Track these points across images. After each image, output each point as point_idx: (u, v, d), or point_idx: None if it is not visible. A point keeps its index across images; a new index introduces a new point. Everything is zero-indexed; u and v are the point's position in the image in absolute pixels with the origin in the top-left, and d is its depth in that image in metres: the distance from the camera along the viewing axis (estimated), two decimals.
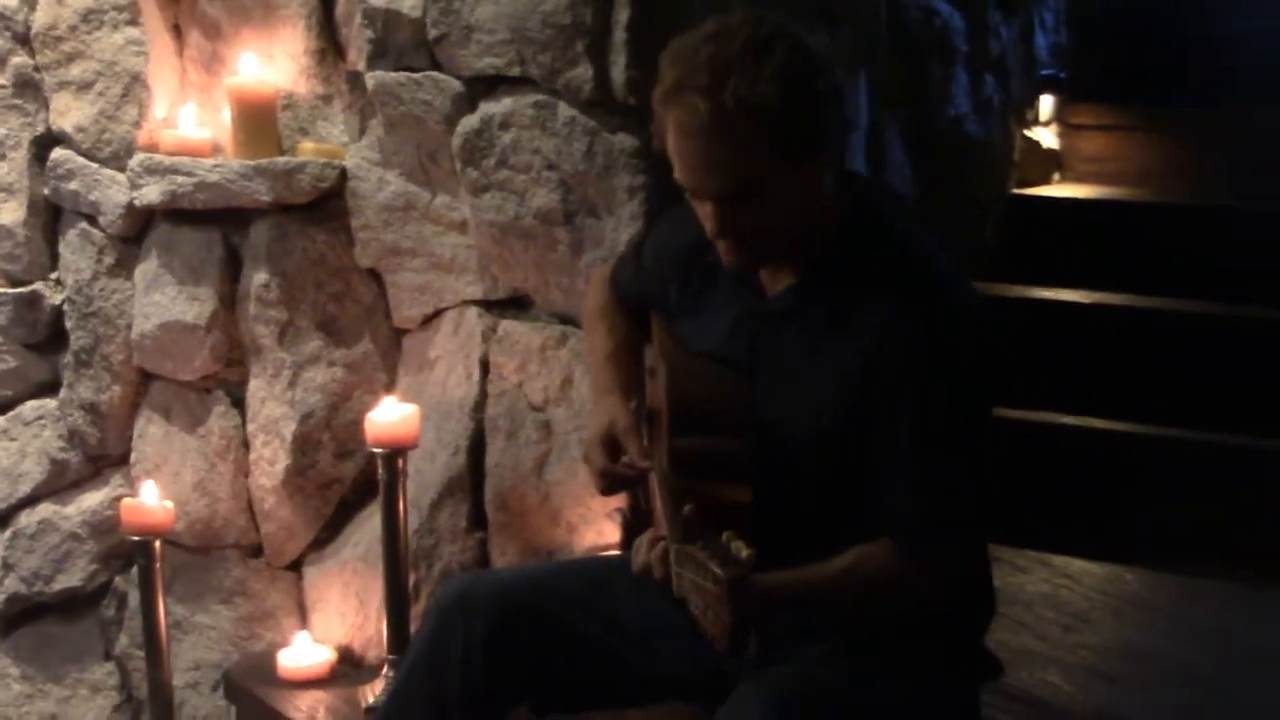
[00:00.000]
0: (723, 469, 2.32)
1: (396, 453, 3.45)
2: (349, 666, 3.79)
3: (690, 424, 2.38)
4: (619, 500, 3.25)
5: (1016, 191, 5.05)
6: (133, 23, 3.96)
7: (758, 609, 2.06)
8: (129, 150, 3.98)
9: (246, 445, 3.98)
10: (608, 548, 3.30)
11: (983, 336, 2.41)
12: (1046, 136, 5.28)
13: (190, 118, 3.96)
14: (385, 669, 3.55)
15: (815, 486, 2.40)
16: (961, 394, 2.34)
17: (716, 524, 2.13)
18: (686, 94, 2.27)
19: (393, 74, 3.52)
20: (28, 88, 4.17)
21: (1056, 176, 5.27)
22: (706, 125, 2.26)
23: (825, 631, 2.43)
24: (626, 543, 3.26)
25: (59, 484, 4.30)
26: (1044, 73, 5.33)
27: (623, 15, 3.14)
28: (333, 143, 3.80)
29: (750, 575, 2.01)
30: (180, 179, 3.83)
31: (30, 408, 4.33)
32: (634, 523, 3.24)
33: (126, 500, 3.82)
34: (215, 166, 3.78)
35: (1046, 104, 5.32)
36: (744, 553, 2.02)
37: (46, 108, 4.16)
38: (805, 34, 2.37)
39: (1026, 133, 5.17)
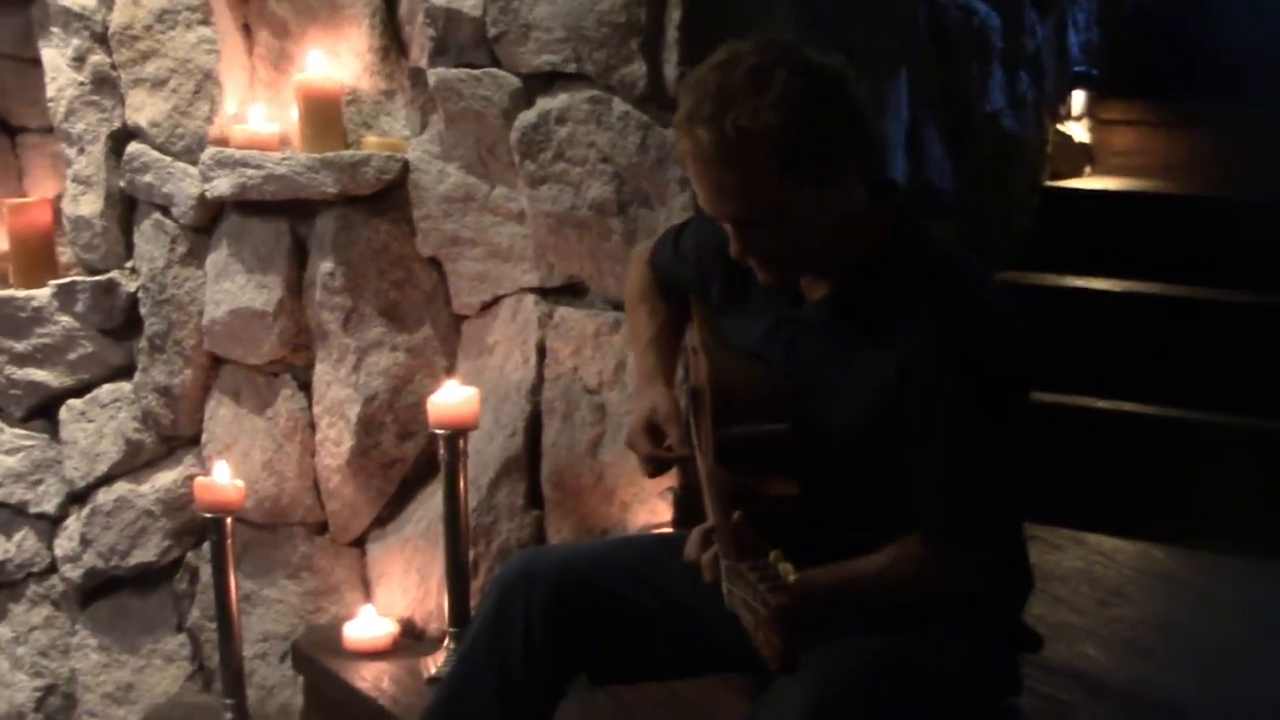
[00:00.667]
0: (767, 458, 2.31)
1: (457, 434, 3.47)
2: (411, 638, 3.81)
3: (733, 413, 2.36)
4: (670, 479, 3.25)
5: (1049, 184, 5.03)
6: (205, 22, 3.99)
7: (805, 627, 2.04)
8: (201, 144, 4.00)
9: (313, 427, 4.00)
10: (660, 525, 3.30)
11: (1015, 345, 2.37)
12: (1078, 131, 5.26)
13: (259, 113, 3.98)
14: (446, 641, 3.57)
15: (850, 487, 2.39)
16: (994, 401, 2.32)
17: (765, 525, 2.13)
18: (693, 124, 2.25)
19: (453, 71, 3.53)
20: (105, 85, 4.19)
21: (1088, 169, 5.25)
22: (712, 154, 2.24)
23: None
24: (678, 520, 3.26)
25: (134, 463, 4.33)
26: (1076, 70, 5.32)
27: (675, 14, 3.14)
28: (395, 137, 3.82)
29: (798, 600, 2.00)
30: (250, 172, 3.85)
31: (107, 391, 4.35)
32: (685, 501, 3.24)
33: (199, 479, 3.85)
34: (283, 160, 3.80)
35: (1078, 100, 5.30)
36: (791, 576, 2.01)
37: (123, 104, 4.18)
38: (818, 55, 2.32)
39: (1059, 127, 5.15)
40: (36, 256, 4.43)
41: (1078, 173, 5.19)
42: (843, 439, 2.37)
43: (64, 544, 4.45)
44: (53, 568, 4.52)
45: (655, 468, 2.56)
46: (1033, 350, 2.39)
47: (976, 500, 2.34)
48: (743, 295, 2.56)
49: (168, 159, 4.10)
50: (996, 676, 2.57)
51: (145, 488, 4.31)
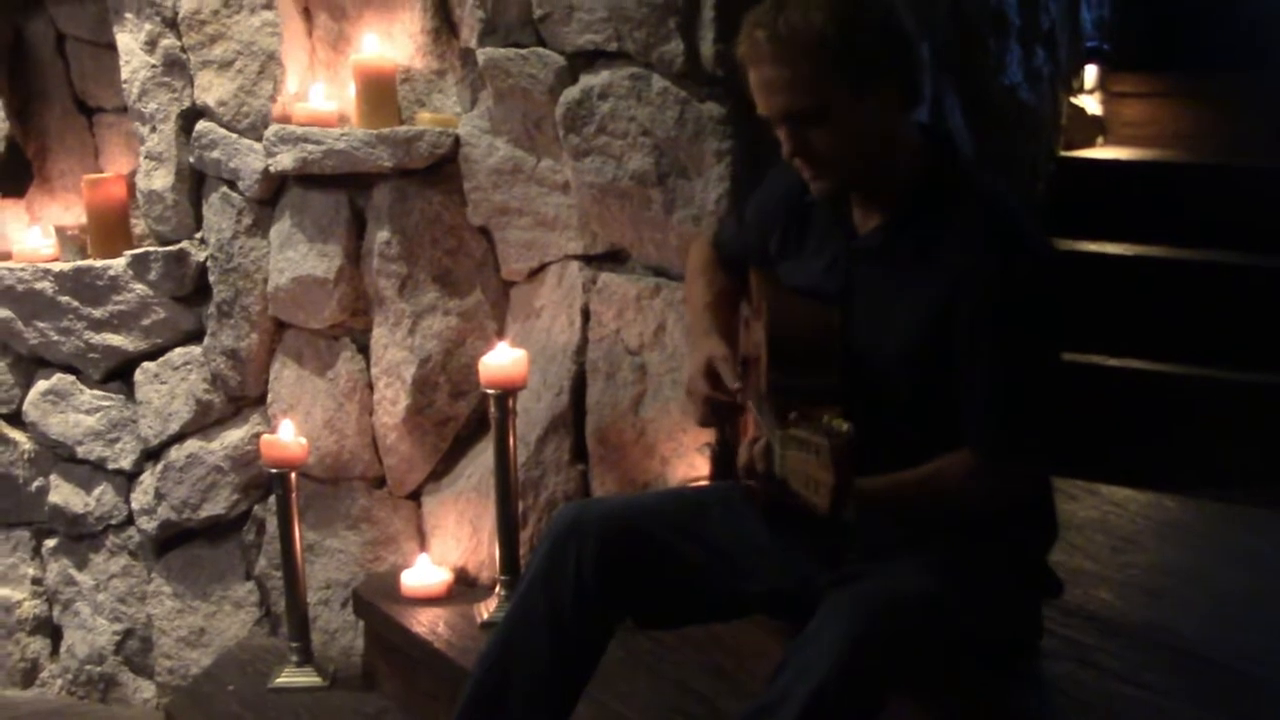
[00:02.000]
0: (816, 400, 2.31)
1: (507, 393, 3.46)
2: (464, 586, 3.82)
3: (787, 358, 2.38)
4: (708, 435, 3.24)
5: (1064, 154, 5.00)
6: (268, 6, 3.97)
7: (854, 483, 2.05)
8: (265, 122, 4.00)
9: (370, 387, 4.00)
10: (698, 479, 3.29)
11: (1053, 273, 2.41)
12: (1091, 103, 5.22)
13: (319, 92, 3.97)
14: (497, 588, 3.58)
15: (902, 407, 2.42)
16: (1033, 318, 2.35)
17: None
18: (753, 28, 2.35)
19: (502, 50, 3.51)
20: (175, 67, 4.18)
21: (1100, 140, 5.22)
22: (765, 51, 2.33)
23: (903, 551, 2.42)
24: (716, 474, 3.25)
25: (204, 422, 4.33)
26: (1088, 44, 5.28)
27: None
28: (447, 113, 3.81)
29: (851, 444, 2.01)
30: (310, 147, 3.84)
31: (178, 354, 4.35)
32: (722, 456, 3.23)
33: (265, 436, 3.85)
34: (342, 136, 3.79)
35: (1091, 73, 5.27)
36: (844, 426, 2.02)
37: (192, 84, 4.16)
38: None
39: (1073, 100, 5.12)
40: (112, 228, 4.43)
41: (1091, 143, 5.16)
42: (897, 359, 2.41)
43: (139, 498, 4.47)
44: (129, 520, 4.53)
45: (712, 410, 2.58)
46: (1063, 283, 2.43)
47: (1021, 410, 2.36)
48: (800, 239, 2.61)
49: (234, 136, 4.09)
50: (1021, 618, 2.57)
51: (215, 445, 4.31)
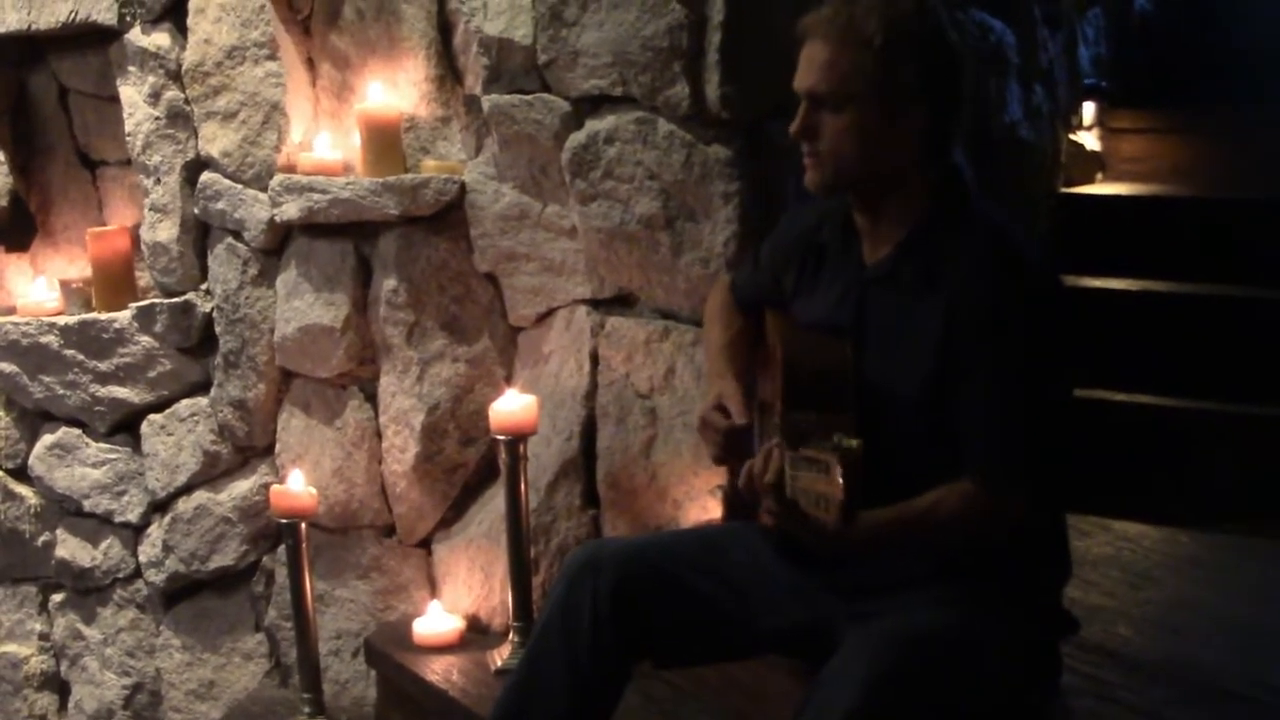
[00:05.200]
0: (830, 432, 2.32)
1: (518, 439, 3.44)
2: (476, 633, 3.79)
3: (802, 395, 2.37)
4: (720, 477, 3.23)
5: (1064, 190, 4.99)
6: (271, 57, 3.97)
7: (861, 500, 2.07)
8: (270, 172, 4.00)
9: (379, 435, 3.98)
10: (710, 522, 3.27)
11: (1058, 300, 2.44)
12: (1090, 140, 5.22)
13: (324, 141, 3.97)
14: (510, 634, 3.55)
15: (916, 436, 2.41)
16: (1036, 349, 2.35)
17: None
18: (828, 5, 2.42)
19: (506, 96, 3.51)
20: (179, 119, 4.19)
21: (1099, 176, 5.21)
22: (826, 28, 2.40)
23: (921, 589, 2.41)
24: (728, 516, 3.24)
25: (212, 473, 4.32)
26: (1087, 82, 5.29)
27: (715, 38, 3.11)
28: (452, 160, 3.80)
29: (859, 460, 2.03)
30: (316, 196, 3.84)
31: (185, 405, 4.34)
32: (735, 498, 3.22)
33: (275, 487, 3.84)
34: (347, 184, 3.79)
35: (1089, 110, 5.28)
36: (853, 442, 2.03)
37: (196, 136, 4.17)
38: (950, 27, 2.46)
39: (1072, 136, 5.11)
40: (117, 281, 4.43)
41: (1090, 179, 5.15)
42: (909, 387, 2.41)
43: (147, 550, 4.45)
44: (137, 573, 4.52)
45: (727, 442, 2.56)
46: (1069, 310, 2.49)
47: (1021, 440, 2.35)
48: (814, 275, 2.62)
49: (239, 186, 4.09)
50: (1039, 655, 2.56)
51: (223, 496, 4.29)
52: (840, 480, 2.02)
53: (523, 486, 3.46)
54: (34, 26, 4.45)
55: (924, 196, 2.46)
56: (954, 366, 2.36)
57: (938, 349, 2.37)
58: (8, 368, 4.55)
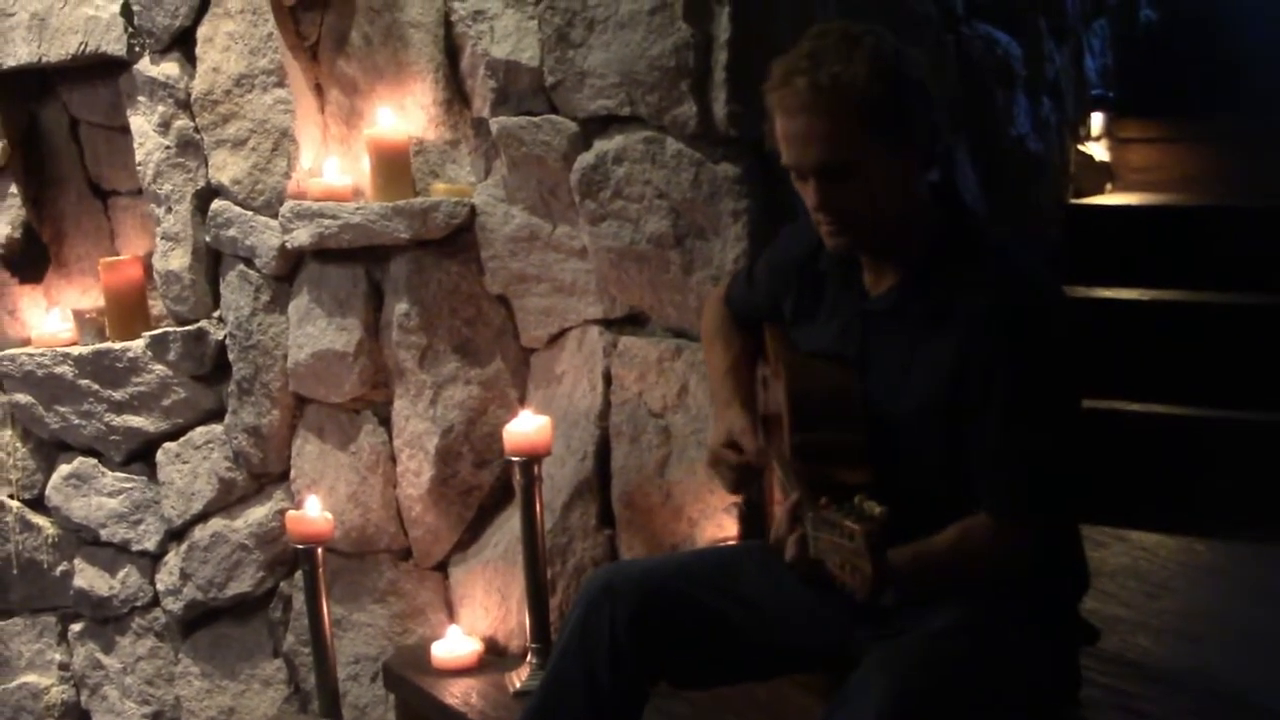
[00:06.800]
0: (841, 458, 2.31)
1: (532, 460, 3.44)
2: (494, 655, 3.78)
3: (809, 419, 2.37)
4: (735, 495, 3.22)
5: (1073, 201, 4.99)
6: (280, 84, 3.97)
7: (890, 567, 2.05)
8: (280, 198, 4.00)
9: (394, 459, 3.97)
10: (726, 539, 3.27)
11: (1070, 328, 2.40)
12: (1098, 150, 5.22)
13: (333, 167, 3.97)
14: (528, 656, 3.54)
15: (926, 467, 2.39)
16: (1050, 379, 2.34)
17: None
18: (791, 76, 2.31)
19: (514, 118, 3.51)
20: (189, 147, 4.19)
21: (1109, 186, 5.21)
22: (807, 101, 2.30)
23: (941, 605, 2.39)
24: (744, 534, 3.23)
25: (227, 500, 4.32)
26: (1094, 92, 5.28)
27: (722, 57, 3.12)
28: (461, 183, 3.80)
29: (885, 528, 2.01)
30: (327, 222, 3.84)
31: (200, 433, 4.34)
32: (750, 515, 3.21)
33: (291, 513, 3.84)
34: (357, 209, 3.79)
35: (1097, 121, 5.27)
36: (876, 510, 2.02)
37: (206, 164, 4.17)
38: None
39: (1080, 147, 5.11)
40: (130, 310, 4.44)
41: (1099, 189, 5.15)
42: (917, 420, 2.39)
43: (165, 579, 4.45)
44: (155, 601, 4.52)
45: (740, 476, 2.57)
46: (1078, 332, 2.42)
47: (1040, 467, 2.34)
48: (815, 304, 2.59)
49: (249, 213, 4.09)
50: (1059, 668, 2.54)
51: (239, 523, 4.29)
52: (868, 554, 2.01)
53: (538, 508, 3.45)
54: (44, 59, 4.47)
55: (927, 221, 2.44)
56: (968, 399, 2.34)
57: (950, 379, 2.35)
58: (23, 399, 4.56)
